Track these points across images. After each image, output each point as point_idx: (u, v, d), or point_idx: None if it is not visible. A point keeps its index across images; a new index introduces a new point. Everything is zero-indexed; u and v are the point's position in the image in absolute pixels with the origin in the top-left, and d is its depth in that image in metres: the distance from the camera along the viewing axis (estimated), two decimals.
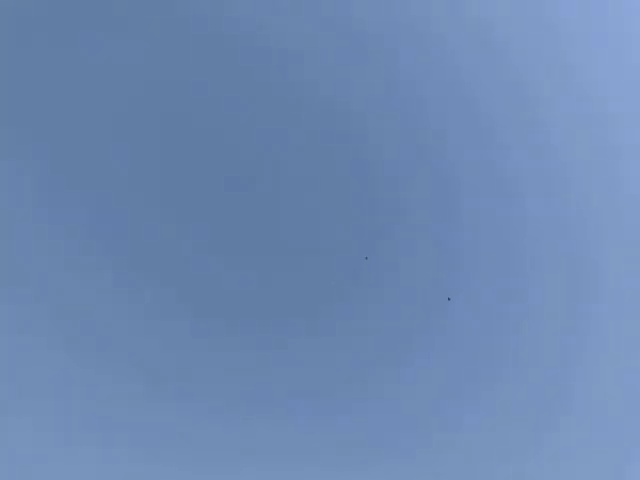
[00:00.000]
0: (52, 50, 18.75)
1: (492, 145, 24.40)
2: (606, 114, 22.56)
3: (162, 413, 18.91)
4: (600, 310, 22.64)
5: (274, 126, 20.26)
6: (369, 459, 19.62)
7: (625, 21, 22.74)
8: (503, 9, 20.61)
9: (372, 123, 22.12)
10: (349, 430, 19.13)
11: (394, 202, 23.04)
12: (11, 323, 16.21)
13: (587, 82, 22.16)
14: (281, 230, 21.24)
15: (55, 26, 18.09)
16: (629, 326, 23.32)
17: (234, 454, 18.56)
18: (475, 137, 24.14)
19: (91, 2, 20.00)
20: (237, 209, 20.96)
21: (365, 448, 19.83)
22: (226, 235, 21.42)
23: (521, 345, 22.61)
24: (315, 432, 19.98)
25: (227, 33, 20.46)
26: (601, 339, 22.81)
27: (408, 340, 22.39)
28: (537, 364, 22.39)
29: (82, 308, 19.76)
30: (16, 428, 14.94)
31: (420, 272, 22.02)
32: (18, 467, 14.36)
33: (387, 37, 20.71)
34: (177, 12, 20.14)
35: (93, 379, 18.26)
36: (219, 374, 20.38)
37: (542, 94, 22.12)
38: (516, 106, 23.43)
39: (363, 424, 20.50)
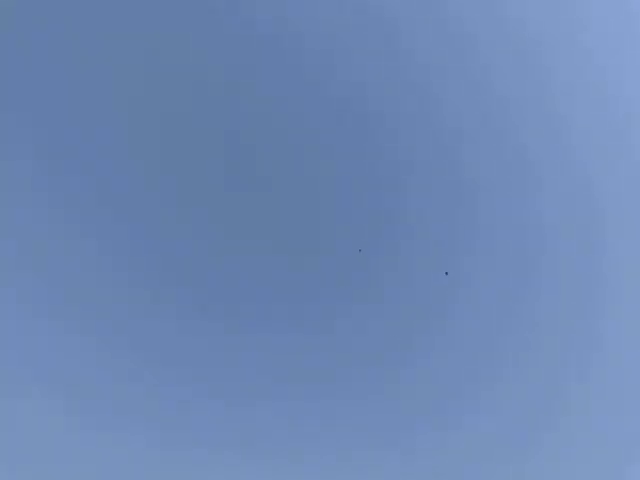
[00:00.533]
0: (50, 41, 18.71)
1: (504, 139, 24.30)
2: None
3: (166, 399, 18.86)
4: (604, 310, 22.51)
5: (272, 112, 20.13)
6: (368, 458, 19.57)
7: None
8: None
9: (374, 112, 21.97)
10: (348, 429, 19.09)
11: (396, 200, 22.92)
12: (12, 307, 16.23)
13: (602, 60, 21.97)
14: (280, 225, 21.17)
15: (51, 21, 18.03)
16: (632, 326, 23.24)
17: (232, 447, 18.53)
18: (486, 131, 24.01)
19: None
20: (238, 204, 20.85)
21: (364, 447, 19.79)
22: (228, 229, 21.30)
23: (521, 345, 22.50)
24: (314, 431, 20.00)
25: (235, 25, 20.32)
26: (603, 339, 22.71)
27: (408, 339, 22.29)
28: (537, 364, 22.30)
29: (83, 293, 19.71)
30: (14, 405, 15.02)
31: (420, 270, 21.89)
32: (19, 446, 14.43)
33: (384, 9, 20.46)
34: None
35: (91, 360, 18.21)
36: (221, 372, 20.31)
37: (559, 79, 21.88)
38: (535, 106, 23.42)
39: (362, 423, 20.45)
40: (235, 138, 19.87)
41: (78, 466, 15.24)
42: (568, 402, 22.89)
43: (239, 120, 20.36)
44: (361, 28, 21.50)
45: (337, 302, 20.31)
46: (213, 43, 19.68)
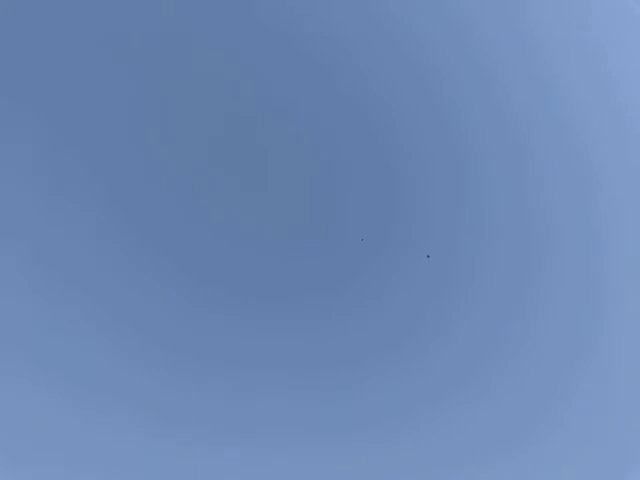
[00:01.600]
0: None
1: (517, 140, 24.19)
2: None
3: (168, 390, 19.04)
4: (607, 309, 22.29)
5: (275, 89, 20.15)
6: (363, 451, 19.60)
7: None
8: None
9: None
10: (344, 421, 19.03)
11: (400, 192, 22.94)
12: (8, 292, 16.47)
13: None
14: (283, 212, 21.29)
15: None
16: (635, 328, 23.05)
17: (234, 434, 18.54)
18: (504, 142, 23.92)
19: None
20: (242, 190, 20.94)
21: (359, 440, 19.76)
22: (232, 216, 21.42)
23: (528, 342, 22.29)
24: (316, 421, 20.04)
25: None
26: (608, 338, 22.54)
27: (409, 332, 22.01)
28: (542, 362, 22.07)
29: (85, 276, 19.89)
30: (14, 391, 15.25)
31: (427, 265, 21.84)
32: (14, 434, 14.65)
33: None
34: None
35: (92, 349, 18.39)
36: (224, 360, 20.40)
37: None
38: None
39: (358, 415, 20.32)
40: (237, 124, 19.94)
41: (75, 455, 15.45)
42: (569, 400, 22.54)
43: (242, 112, 20.45)
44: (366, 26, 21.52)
45: (338, 292, 20.33)
46: (217, 35, 19.67)
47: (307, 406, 17.77)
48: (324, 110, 20.76)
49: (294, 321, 19.32)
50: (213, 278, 20.62)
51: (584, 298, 19.11)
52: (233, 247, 21.15)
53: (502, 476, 16.05)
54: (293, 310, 19.38)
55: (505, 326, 20.24)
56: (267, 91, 20.70)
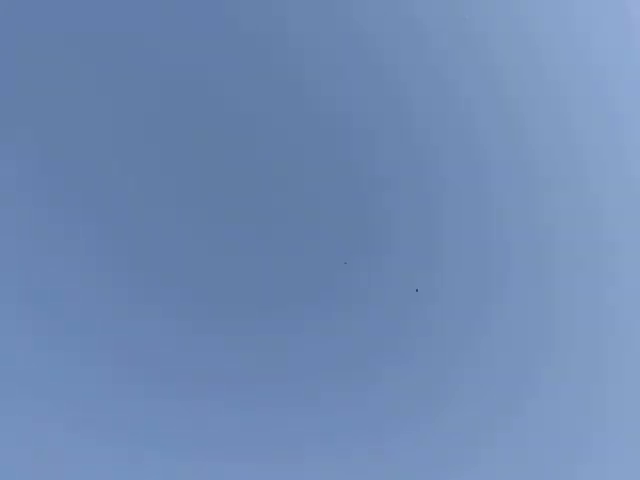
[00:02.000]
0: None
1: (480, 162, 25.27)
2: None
3: (162, 409, 17.90)
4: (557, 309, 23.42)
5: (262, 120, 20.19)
6: (359, 451, 19.11)
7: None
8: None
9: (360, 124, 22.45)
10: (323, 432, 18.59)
11: (380, 204, 23.31)
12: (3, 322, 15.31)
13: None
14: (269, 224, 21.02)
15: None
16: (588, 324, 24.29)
17: (232, 445, 17.62)
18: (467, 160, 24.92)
19: None
20: (228, 205, 20.61)
21: (345, 450, 19.32)
22: (221, 227, 20.92)
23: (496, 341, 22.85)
24: (308, 427, 19.38)
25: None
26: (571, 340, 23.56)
27: (388, 343, 22.07)
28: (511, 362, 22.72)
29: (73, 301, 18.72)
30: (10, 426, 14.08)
31: (403, 274, 22.16)
32: (13, 465, 13.53)
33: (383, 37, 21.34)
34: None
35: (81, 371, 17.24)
36: (215, 369, 19.50)
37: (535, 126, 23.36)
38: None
39: (340, 425, 19.92)
40: (225, 138, 19.82)
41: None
42: (532, 407, 23.22)
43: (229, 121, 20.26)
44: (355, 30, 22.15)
45: (316, 304, 20.10)
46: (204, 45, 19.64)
47: (306, 407, 17.34)
48: (322, 113, 20.85)
49: (294, 323, 18.87)
50: (207, 288, 19.86)
51: (536, 312, 20.34)
52: (226, 260, 20.57)
53: (502, 475, 16.26)
54: (293, 312, 18.93)
55: (481, 332, 20.69)
56: (265, 102, 20.64)
